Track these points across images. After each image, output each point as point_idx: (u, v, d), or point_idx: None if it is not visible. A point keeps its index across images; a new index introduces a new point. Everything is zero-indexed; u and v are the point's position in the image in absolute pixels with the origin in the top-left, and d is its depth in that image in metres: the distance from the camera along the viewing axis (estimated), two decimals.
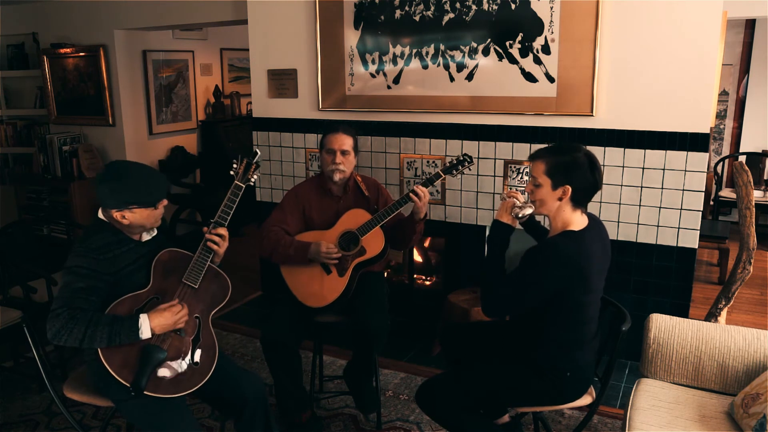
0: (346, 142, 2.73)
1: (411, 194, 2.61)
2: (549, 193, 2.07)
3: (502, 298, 2.09)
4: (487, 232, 3.55)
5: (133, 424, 2.33)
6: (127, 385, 2.00)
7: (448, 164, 2.77)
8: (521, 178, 3.43)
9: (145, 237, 2.20)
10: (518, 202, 2.19)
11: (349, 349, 2.85)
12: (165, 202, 2.15)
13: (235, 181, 2.24)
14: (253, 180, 2.28)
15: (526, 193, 2.21)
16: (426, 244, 4.03)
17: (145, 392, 2.00)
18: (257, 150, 2.34)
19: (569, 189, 2.04)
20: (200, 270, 2.18)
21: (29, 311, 3.10)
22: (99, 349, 1.99)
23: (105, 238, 2.09)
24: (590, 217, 2.15)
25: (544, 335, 2.12)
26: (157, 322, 2.03)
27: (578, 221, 2.09)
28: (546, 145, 2.16)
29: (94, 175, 5.28)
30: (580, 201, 2.08)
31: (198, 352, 2.14)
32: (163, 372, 2.06)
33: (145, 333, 2.01)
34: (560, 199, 2.06)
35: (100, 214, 2.15)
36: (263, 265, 4.43)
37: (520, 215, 2.16)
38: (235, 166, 2.28)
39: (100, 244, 2.07)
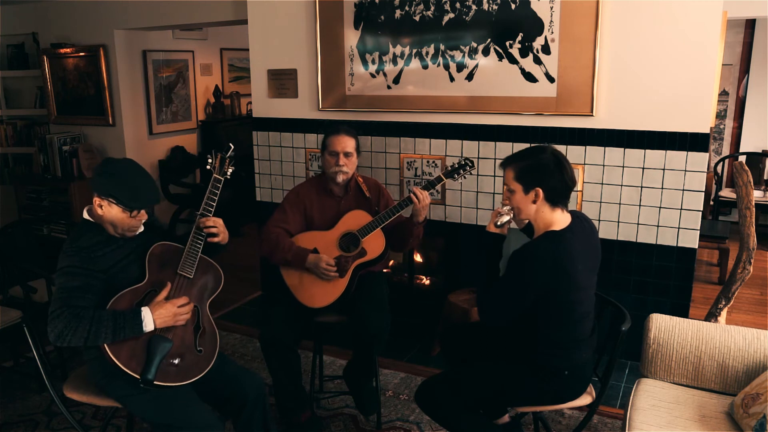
0: (348, 144, 2.73)
1: (411, 195, 2.62)
2: (522, 198, 2.10)
3: (494, 306, 2.12)
4: None
5: (144, 420, 2.31)
6: (137, 377, 2.01)
7: (449, 168, 2.79)
8: None
9: (129, 234, 2.20)
10: (503, 210, 2.21)
11: (349, 349, 2.85)
12: (144, 216, 2.14)
13: (214, 175, 2.32)
14: (229, 173, 2.35)
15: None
16: (426, 244, 4.03)
17: (155, 382, 2.02)
18: (231, 144, 2.41)
19: (540, 191, 2.07)
20: (194, 260, 2.23)
21: (29, 311, 3.10)
22: (106, 344, 2.00)
23: (93, 237, 2.11)
24: (574, 214, 2.16)
25: (540, 335, 2.13)
26: (158, 314, 2.06)
27: (560, 220, 2.10)
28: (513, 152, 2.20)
29: None
30: (555, 200, 2.09)
31: (201, 340, 2.19)
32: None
33: (149, 325, 2.04)
34: (534, 202, 2.09)
35: (86, 215, 2.16)
36: (263, 265, 4.42)
37: (498, 223, 2.20)
38: (210, 160, 2.35)
39: (89, 244, 2.08)
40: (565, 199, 2.12)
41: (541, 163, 2.07)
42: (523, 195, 2.10)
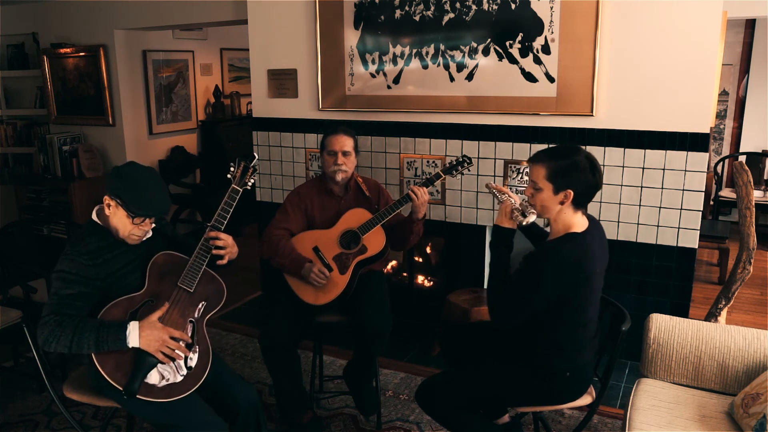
0: (347, 143, 2.75)
1: (410, 193, 2.63)
2: (550, 198, 2.05)
3: (508, 306, 2.08)
4: (488, 235, 3.56)
5: (145, 420, 2.29)
6: (120, 388, 1.98)
7: (447, 165, 2.80)
8: (521, 178, 3.43)
9: (130, 241, 2.15)
10: (516, 204, 2.18)
11: (349, 349, 2.85)
12: (147, 226, 2.10)
13: (233, 185, 2.21)
14: (250, 184, 2.25)
15: (524, 196, 2.20)
16: (426, 244, 4.03)
17: (137, 396, 1.99)
18: (255, 154, 2.31)
19: (571, 193, 2.02)
20: (196, 274, 2.15)
21: (29, 311, 3.10)
22: (93, 354, 1.97)
23: (96, 242, 2.06)
24: (589, 218, 2.15)
25: (543, 336, 2.12)
26: (146, 333, 1.99)
27: (579, 223, 2.08)
28: (546, 147, 2.15)
29: (94, 175, 5.29)
30: (581, 203, 2.07)
31: (192, 357, 2.11)
32: (155, 378, 2.03)
33: (132, 341, 1.98)
34: (562, 203, 2.04)
35: (94, 216, 2.12)
36: (263, 265, 4.42)
37: (524, 223, 2.14)
38: (232, 169, 2.24)
39: (90, 249, 2.04)
40: (589, 202, 2.09)
41: (578, 166, 2.01)
42: (552, 195, 2.04)
